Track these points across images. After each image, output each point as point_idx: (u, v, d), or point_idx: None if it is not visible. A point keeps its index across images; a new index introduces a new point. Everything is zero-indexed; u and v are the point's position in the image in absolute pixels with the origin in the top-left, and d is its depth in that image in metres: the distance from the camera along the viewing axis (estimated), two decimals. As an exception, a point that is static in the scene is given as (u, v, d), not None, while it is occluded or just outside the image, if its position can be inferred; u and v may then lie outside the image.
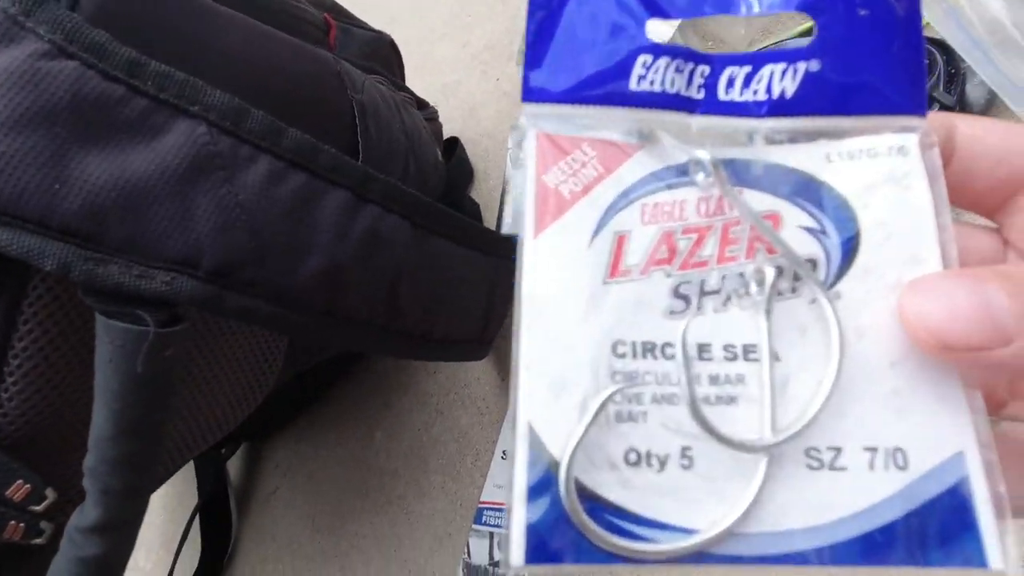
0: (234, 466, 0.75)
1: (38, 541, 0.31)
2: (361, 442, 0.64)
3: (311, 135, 0.39)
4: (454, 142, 0.75)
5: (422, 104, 0.69)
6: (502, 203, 0.64)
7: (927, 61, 0.45)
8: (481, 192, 0.72)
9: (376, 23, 0.85)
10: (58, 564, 0.26)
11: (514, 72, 0.77)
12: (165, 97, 0.26)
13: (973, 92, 0.43)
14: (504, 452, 0.53)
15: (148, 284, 0.25)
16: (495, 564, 0.49)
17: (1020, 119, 0.41)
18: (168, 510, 0.79)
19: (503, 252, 0.46)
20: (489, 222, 0.68)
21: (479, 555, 0.50)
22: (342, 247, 0.30)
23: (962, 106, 0.43)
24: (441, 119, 0.74)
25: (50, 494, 0.29)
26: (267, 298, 0.28)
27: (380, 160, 0.47)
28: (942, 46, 0.44)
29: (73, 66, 0.24)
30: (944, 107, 0.43)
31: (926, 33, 0.46)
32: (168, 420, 0.26)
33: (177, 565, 0.65)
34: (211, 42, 0.31)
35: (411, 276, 0.35)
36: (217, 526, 0.68)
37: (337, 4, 0.58)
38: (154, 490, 0.29)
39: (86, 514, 0.26)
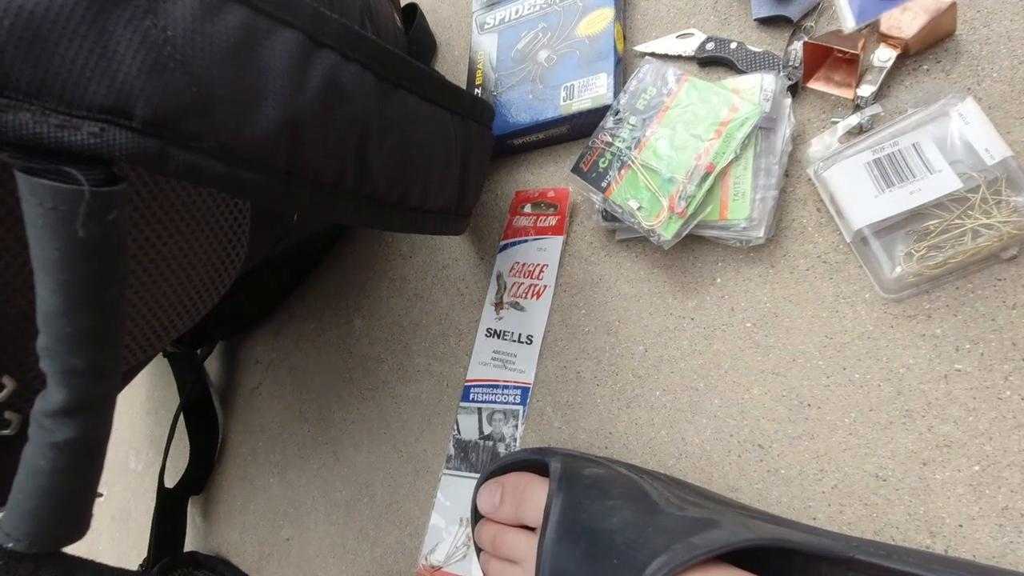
0: (213, 366, 0.73)
1: (6, 432, 0.29)
2: (341, 331, 0.63)
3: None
4: (413, 9, 0.68)
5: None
6: (471, 75, 0.59)
7: None
8: (444, 64, 0.67)
9: None
10: (30, 454, 0.24)
11: (474, -76, 0.69)
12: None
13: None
14: (488, 330, 0.52)
15: (72, 136, 0.21)
16: (486, 437, 0.50)
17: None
18: (152, 413, 0.78)
19: (475, 115, 0.42)
20: (457, 96, 0.63)
21: (468, 431, 0.51)
22: (299, 97, 0.27)
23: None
24: (396, -17, 0.66)
25: (8, 382, 0.27)
26: (219, 155, 0.25)
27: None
28: None
29: None
30: None
31: None
32: (124, 291, 0.24)
33: (168, 464, 0.66)
34: None
35: (379, 134, 0.32)
36: (203, 424, 0.68)
37: None
38: (125, 371, 0.27)
39: (50, 397, 0.24)
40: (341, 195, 0.31)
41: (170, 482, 0.66)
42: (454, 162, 0.40)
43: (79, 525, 0.28)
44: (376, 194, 0.33)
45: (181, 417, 0.68)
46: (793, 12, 0.45)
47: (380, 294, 0.61)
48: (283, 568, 0.59)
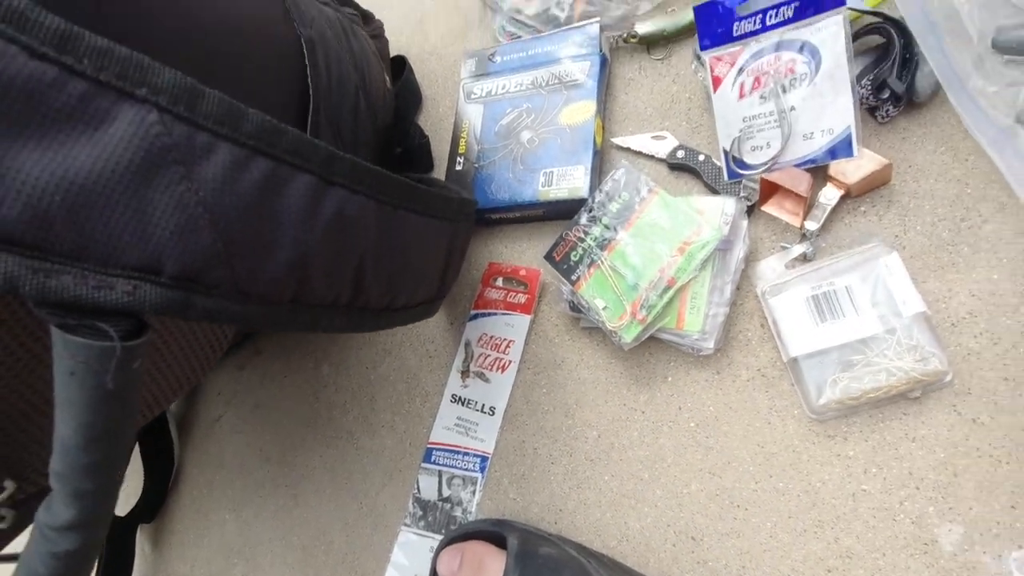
0: (171, 392, 0.73)
1: (1, 526, 0.30)
2: (308, 375, 0.65)
3: (261, 83, 0.36)
4: (401, 62, 0.70)
5: (367, 17, 0.63)
6: (455, 142, 0.61)
7: (885, 42, 0.46)
8: (429, 119, 0.69)
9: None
10: (31, 559, 0.26)
11: (468, -15, 0.71)
12: (106, 78, 0.23)
13: (922, 81, 0.44)
14: (453, 396, 0.55)
15: (108, 295, 0.23)
16: (445, 500, 0.53)
17: (957, 115, 0.43)
18: (101, 431, 0.78)
19: (462, 216, 0.45)
20: (438, 154, 0.66)
21: (428, 491, 0.54)
22: (309, 235, 0.29)
23: (910, 95, 0.45)
24: (387, 29, 0.68)
25: (9, 485, 0.29)
26: (235, 298, 0.27)
27: (331, 99, 0.44)
28: (900, 28, 0.45)
29: (-8, 43, 0.21)
30: (894, 95, 0.44)
31: (886, 10, 0.47)
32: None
33: (120, 492, 0.66)
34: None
35: (375, 255, 0.34)
36: (158, 453, 0.68)
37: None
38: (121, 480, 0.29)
39: (57, 513, 0.26)
40: (336, 311, 0.33)
41: (120, 509, 0.66)
42: (439, 260, 0.43)
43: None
44: (368, 305, 0.36)
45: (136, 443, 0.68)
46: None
47: (350, 344, 0.63)
48: (233, 604, 0.60)
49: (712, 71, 0.49)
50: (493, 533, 0.46)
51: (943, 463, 0.39)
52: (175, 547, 0.66)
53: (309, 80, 0.41)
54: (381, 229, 0.34)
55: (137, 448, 0.68)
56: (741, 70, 0.48)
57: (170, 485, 0.69)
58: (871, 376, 0.41)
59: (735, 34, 0.47)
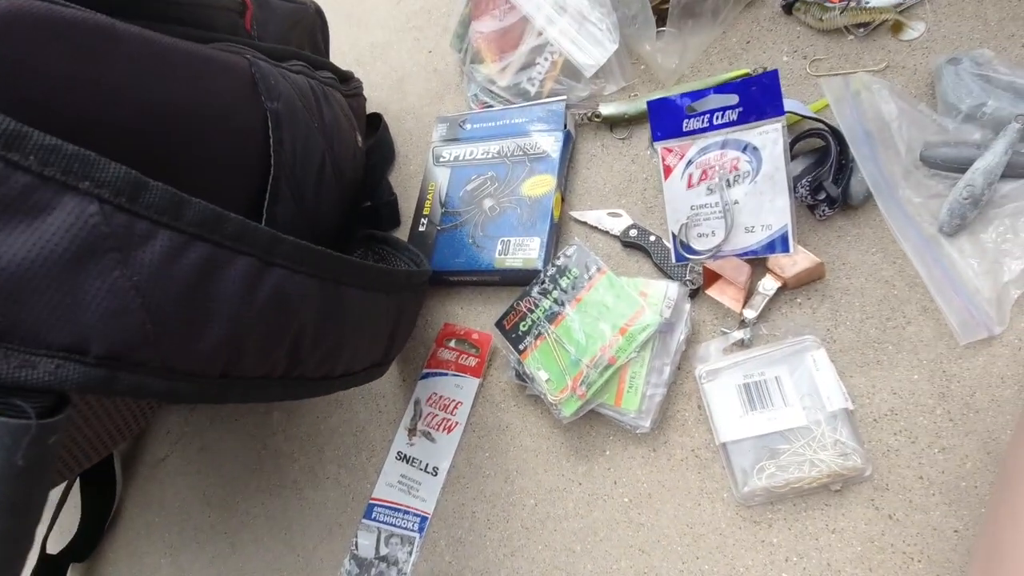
0: (121, 427, 0.73)
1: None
2: (258, 420, 0.65)
3: (218, 157, 0.37)
4: (377, 119, 0.72)
5: (345, 78, 0.66)
6: (420, 204, 0.63)
7: (824, 145, 0.49)
8: (400, 175, 0.71)
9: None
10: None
11: (447, 49, 0.74)
12: (50, 173, 0.24)
13: (856, 187, 0.47)
14: (399, 453, 0.56)
15: (30, 374, 0.24)
16: (382, 558, 0.53)
17: (886, 221, 0.46)
18: (46, 463, 0.76)
19: (410, 287, 0.47)
20: (406, 212, 0.68)
21: (366, 548, 0.54)
22: (245, 314, 0.30)
23: (845, 198, 0.47)
24: (366, 85, 0.70)
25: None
26: (162, 374, 0.28)
27: (295, 167, 0.45)
28: (837, 136, 0.48)
29: (-60, 138, 0.22)
30: (829, 197, 0.47)
31: (826, 117, 0.50)
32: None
33: (54, 528, 0.64)
34: (106, 85, 0.28)
35: (314, 328, 0.35)
36: (100, 489, 0.67)
37: (256, -25, 0.52)
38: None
39: (-41, 581, 0.26)
40: (270, 383, 0.34)
41: (53, 547, 0.64)
42: (384, 330, 0.44)
43: None
44: (304, 375, 0.36)
45: (77, 479, 0.67)
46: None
47: (302, 392, 0.63)
48: (160, 655, 0.59)
49: (664, 160, 0.51)
50: (423, 601, 0.46)
51: (860, 556, 0.41)
52: (107, 590, 0.65)
53: (272, 151, 0.42)
54: (323, 304, 0.35)
55: (77, 483, 0.67)
56: (690, 162, 0.50)
57: (107, 524, 0.67)
58: (796, 466, 0.42)
59: (684, 130, 0.50)
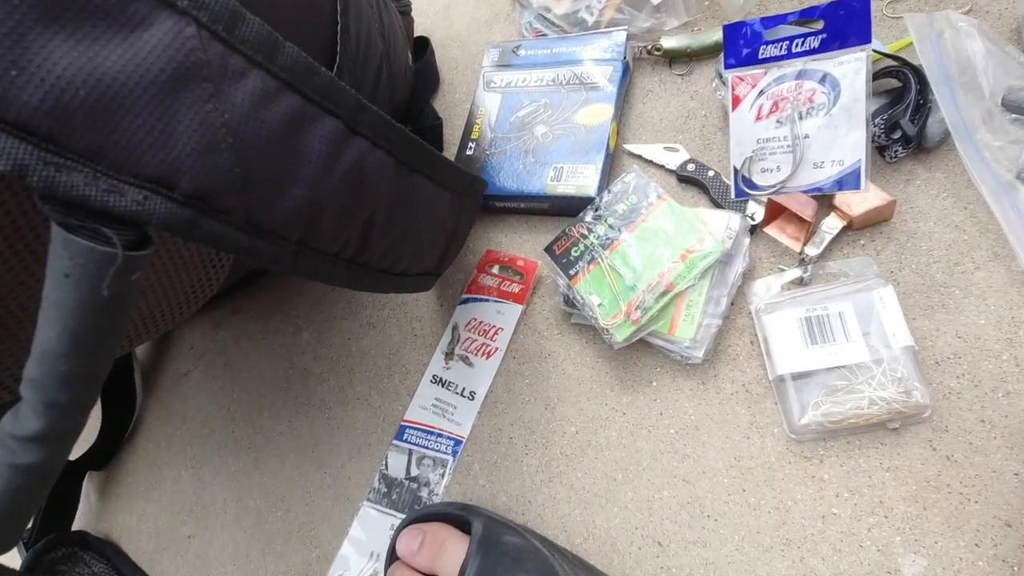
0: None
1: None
2: (287, 339, 0.64)
3: (292, 26, 0.35)
4: (425, 43, 0.70)
5: (398, -7, 0.63)
6: (468, 128, 0.61)
7: (901, 85, 0.47)
8: (444, 103, 0.69)
9: None
10: (-10, 468, 0.25)
11: (499, -23, 0.71)
12: (150, -17, 0.22)
13: (933, 128, 0.46)
14: (434, 376, 0.55)
15: (118, 201, 0.22)
16: (412, 479, 0.52)
17: (964, 163, 0.45)
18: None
19: (471, 192, 0.45)
20: (449, 140, 0.66)
21: (396, 469, 0.53)
22: (327, 180, 0.29)
23: (920, 138, 0.46)
24: (414, 9, 0.68)
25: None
26: (241, 226, 0.26)
27: (356, 64, 0.43)
28: (918, 74, 0.46)
29: (37, -75, 0.20)
30: (905, 136, 0.46)
31: (906, 56, 0.48)
32: (123, 336, 0.25)
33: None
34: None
35: (386, 212, 0.34)
36: (119, 399, 0.66)
37: None
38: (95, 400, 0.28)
39: (24, 423, 0.25)
40: (339, 263, 0.33)
41: (71, 454, 0.63)
42: (444, 233, 0.42)
43: (12, 538, 0.28)
44: (370, 263, 0.35)
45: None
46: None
47: (334, 313, 0.62)
48: (177, 565, 0.58)
49: (733, 90, 0.50)
50: (458, 517, 0.45)
51: (914, 495, 0.40)
52: (123, 498, 0.64)
53: (338, 39, 0.40)
54: (395, 188, 0.34)
55: (99, 393, 0.66)
56: (761, 92, 0.48)
57: (127, 435, 0.66)
58: (854, 402, 0.41)
59: (760, 57, 0.48)
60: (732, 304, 0.48)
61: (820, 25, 0.45)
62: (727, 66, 0.49)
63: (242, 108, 0.25)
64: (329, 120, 0.28)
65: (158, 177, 0.23)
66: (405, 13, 0.64)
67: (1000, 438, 0.40)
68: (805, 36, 0.46)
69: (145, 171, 0.23)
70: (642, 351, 0.49)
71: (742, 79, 0.49)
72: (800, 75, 0.47)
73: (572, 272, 0.50)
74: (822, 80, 0.46)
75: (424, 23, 0.75)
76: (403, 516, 0.50)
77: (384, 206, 0.33)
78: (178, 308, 0.38)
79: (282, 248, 0.28)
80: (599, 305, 0.47)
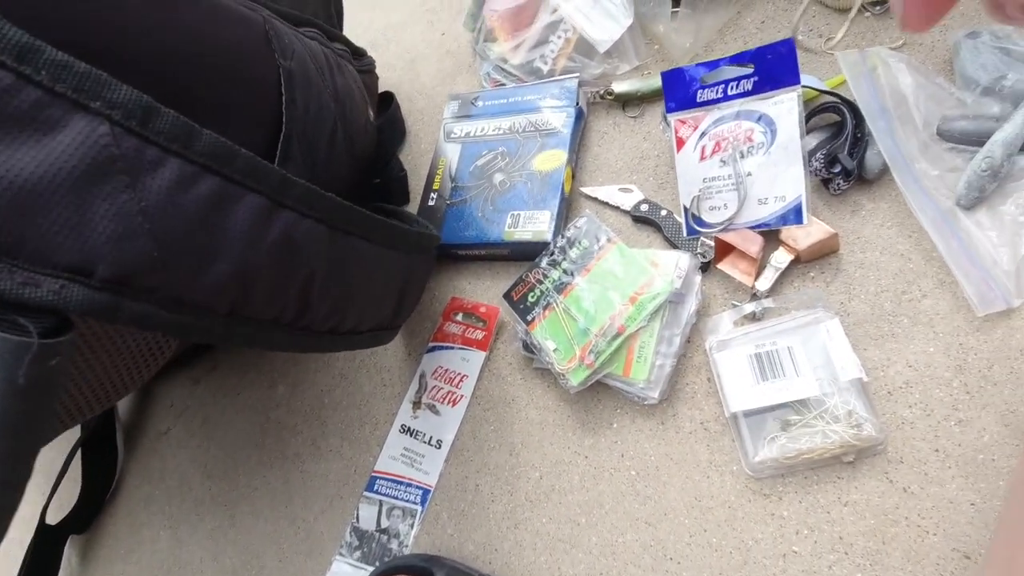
0: (124, 401, 0.73)
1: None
2: (262, 394, 0.64)
3: (229, 104, 0.37)
4: (389, 97, 0.72)
5: (358, 53, 0.66)
6: (430, 178, 0.63)
7: (839, 120, 0.48)
8: (411, 154, 0.71)
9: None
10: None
11: (460, 31, 0.74)
12: (61, 89, 0.24)
13: (872, 160, 0.47)
14: (403, 426, 0.55)
15: (34, 292, 0.23)
16: (383, 531, 0.52)
17: (903, 194, 0.45)
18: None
19: (420, 249, 0.46)
20: (415, 189, 0.67)
21: (367, 521, 0.53)
22: (253, 253, 0.30)
23: (860, 170, 0.47)
24: (379, 65, 0.70)
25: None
26: (167, 305, 0.27)
27: (305, 128, 0.45)
28: (853, 109, 0.48)
29: (-49, 45, 0.22)
30: (844, 170, 0.46)
31: (842, 92, 0.49)
32: (51, 417, 0.26)
33: (54, 499, 0.64)
34: (124, 11, 0.28)
35: (323, 278, 0.35)
36: (101, 461, 0.67)
37: (272, -61, 0.53)
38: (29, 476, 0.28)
39: (-44, 507, 0.26)
40: (277, 329, 0.34)
41: (52, 517, 0.64)
42: (393, 289, 0.43)
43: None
44: (312, 325, 0.36)
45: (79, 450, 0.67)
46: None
47: (308, 366, 0.63)
48: (156, 627, 0.58)
49: (676, 132, 0.51)
50: (422, 569, 0.45)
51: (873, 530, 0.40)
52: (103, 561, 0.64)
53: (284, 109, 0.42)
54: (331, 254, 0.35)
55: (78, 455, 0.67)
56: (703, 134, 0.50)
57: (108, 496, 0.67)
58: (808, 437, 0.41)
59: (698, 100, 0.49)
60: (688, 342, 0.49)
61: (751, 68, 0.46)
62: (668, 110, 0.51)
63: (159, 194, 0.26)
64: (252, 197, 0.30)
65: (74, 266, 0.24)
66: (367, 71, 0.66)
67: (955, 467, 0.39)
68: (739, 79, 0.47)
69: (61, 261, 0.24)
70: (602, 393, 0.49)
71: (684, 122, 0.50)
72: (738, 116, 0.48)
73: (529, 318, 0.50)
74: (759, 120, 0.47)
75: (391, 77, 0.77)
76: (372, 569, 0.50)
77: (321, 271, 0.35)
78: (129, 378, 0.39)
79: (212, 321, 0.29)
80: (555, 350, 0.48)
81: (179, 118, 0.27)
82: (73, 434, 0.70)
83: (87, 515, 0.66)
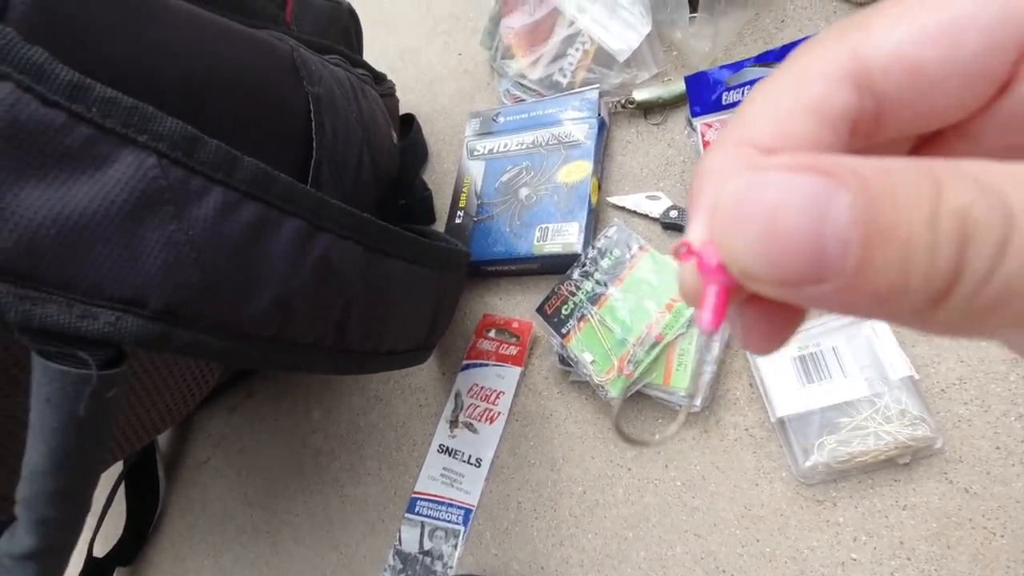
0: (164, 433, 0.73)
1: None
2: (298, 419, 0.65)
3: (265, 134, 0.38)
4: (410, 120, 0.73)
5: (379, 78, 0.67)
6: (456, 197, 0.63)
7: None
8: (433, 174, 0.71)
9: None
10: (-13, 588, 0.26)
11: (477, 50, 0.75)
12: (111, 125, 0.24)
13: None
14: (441, 446, 0.55)
15: (91, 325, 0.24)
16: (426, 553, 0.51)
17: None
18: (90, 470, 0.77)
19: (452, 265, 0.46)
20: (440, 209, 0.68)
21: (410, 543, 0.52)
22: (295, 277, 0.30)
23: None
24: (399, 88, 0.71)
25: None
26: (215, 332, 0.28)
27: (336, 153, 0.46)
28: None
29: (8, 89, 0.22)
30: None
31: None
32: (107, 451, 0.26)
33: (100, 531, 0.65)
34: (154, 41, 0.29)
35: (362, 298, 0.35)
36: (143, 493, 0.68)
37: (295, -27, 0.54)
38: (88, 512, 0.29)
39: (19, 541, 0.26)
40: (318, 352, 0.34)
41: (99, 550, 0.64)
42: (427, 308, 0.43)
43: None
44: (351, 347, 0.36)
45: (122, 483, 0.67)
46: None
47: (342, 390, 0.63)
48: (204, 658, 0.58)
49: (703, 136, 0.51)
50: (471, 591, 0.45)
51: (935, 534, 0.38)
52: (151, 594, 0.64)
53: (314, 134, 0.43)
54: (368, 274, 0.35)
55: (122, 487, 0.68)
56: (730, 135, 0.49)
57: (151, 527, 0.68)
58: (859, 440, 0.40)
59: (724, 103, 0.49)
60: (727, 347, 0.48)
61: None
62: (693, 114, 0.51)
63: (205, 223, 0.27)
64: (292, 221, 0.30)
65: (128, 298, 0.25)
66: (388, 95, 0.67)
67: (1019, 464, 0.38)
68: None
69: (115, 294, 0.25)
70: (642, 403, 0.49)
71: (710, 125, 0.50)
72: (765, 116, 0.48)
73: (564, 331, 0.50)
74: (787, 119, 0.47)
75: (410, 100, 0.78)
76: (418, 593, 0.49)
77: (359, 292, 0.35)
78: (175, 407, 0.39)
79: (257, 346, 0.30)
80: (592, 362, 0.48)
81: (221, 147, 0.27)
82: (116, 467, 0.71)
83: (132, 547, 0.66)
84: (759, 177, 0.10)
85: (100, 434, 0.25)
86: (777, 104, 0.12)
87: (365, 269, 0.35)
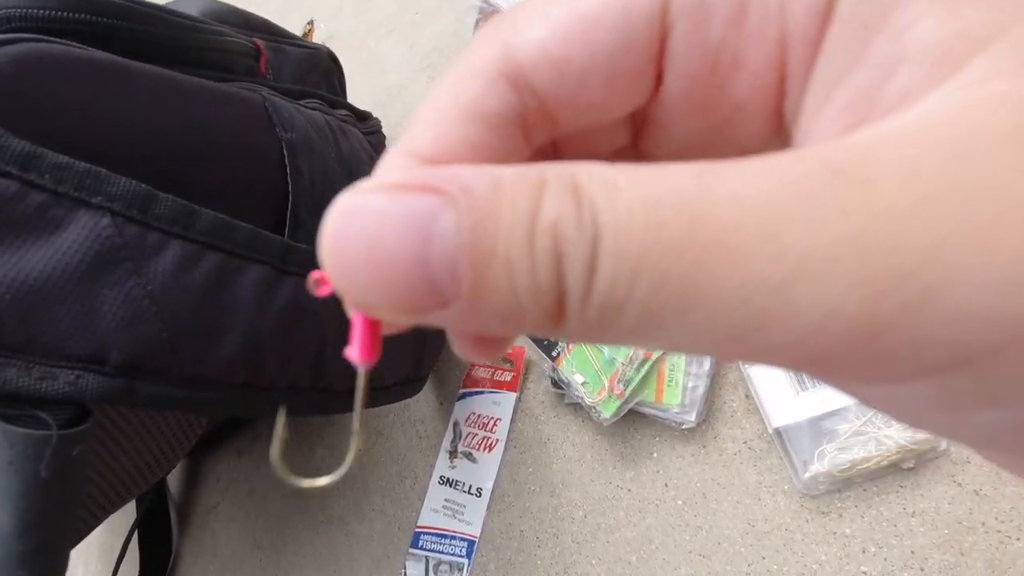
0: (175, 479, 0.74)
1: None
2: (303, 458, 0.65)
3: (236, 182, 0.39)
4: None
5: (363, 116, 0.68)
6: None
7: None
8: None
9: (320, 15, 0.83)
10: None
11: (459, 81, 0.76)
12: (63, 190, 0.25)
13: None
14: (441, 477, 0.54)
15: (51, 386, 0.24)
16: (430, 588, 0.51)
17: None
18: (107, 522, 0.78)
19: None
20: (431, 239, 0.68)
21: (415, 579, 0.52)
22: (262, 322, 0.30)
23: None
24: (385, 125, 0.73)
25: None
26: (182, 384, 0.28)
27: (313, 196, 0.46)
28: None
29: (-40, 162, 0.23)
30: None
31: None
32: (79, 507, 0.26)
33: (116, 582, 0.65)
34: (118, 110, 0.30)
35: (336, 337, 0.35)
36: (157, 541, 0.68)
37: (269, 24, 0.56)
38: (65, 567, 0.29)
39: (-4, 605, 0.26)
40: (297, 393, 0.34)
41: (116, 602, 0.65)
42: (410, 340, 0.43)
43: None
44: (332, 387, 0.36)
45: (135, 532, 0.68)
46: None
47: (343, 426, 0.63)
48: None
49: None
50: (475, 626, 0.44)
51: (947, 540, 0.37)
52: (167, 644, 0.64)
53: (289, 179, 0.43)
54: (342, 312, 0.35)
55: (135, 536, 0.68)
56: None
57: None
58: (860, 446, 0.39)
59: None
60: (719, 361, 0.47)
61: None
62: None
63: (164, 277, 0.27)
64: (255, 268, 0.31)
65: (87, 356, 0.25)
66: (375, 132, 0.68)
67: (1029, 463, 0.36)
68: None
69: (75, 352, 0.25)
70: (637, 422, 0.48)
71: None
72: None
73: (555, 353, 0.49)
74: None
75: (396, 136, 0.79)
76: (424, 631, 0.48)
77: (333, 332, 0.35)
78: (163, 457, 0.40)
79: (228, 394, 0.30)
80: (583, 383, 0.47)
81: (177, 201, 0.28)
82: (129, 516, 0.72)
83: (147, 598, 0.66)
84: (358, 199, 0.09)
85: (68, 492, 0.25)
86: (437, 108, 0.11)
87: (338, 308, 0.35)
